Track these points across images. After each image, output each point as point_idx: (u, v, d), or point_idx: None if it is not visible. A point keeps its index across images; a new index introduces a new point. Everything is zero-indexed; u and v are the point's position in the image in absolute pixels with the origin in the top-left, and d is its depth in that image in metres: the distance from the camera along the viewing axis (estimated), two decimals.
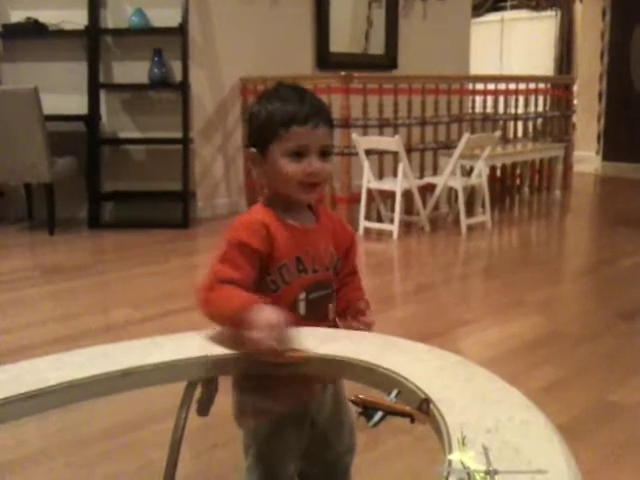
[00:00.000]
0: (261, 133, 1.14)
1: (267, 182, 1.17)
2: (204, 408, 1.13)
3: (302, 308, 1.15)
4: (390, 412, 0.84)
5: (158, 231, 4.55)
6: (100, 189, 4.85)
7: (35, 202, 4.89)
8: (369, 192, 4.52)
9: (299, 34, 5.50)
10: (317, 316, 1.16)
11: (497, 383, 0.95)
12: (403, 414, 0.84)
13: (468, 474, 0.66)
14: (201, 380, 1.12)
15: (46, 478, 1.71)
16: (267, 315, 0.99)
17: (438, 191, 4.63)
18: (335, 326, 1.21)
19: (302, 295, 1.14)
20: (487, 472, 0.64)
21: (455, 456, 0.70)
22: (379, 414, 0.83)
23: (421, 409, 0.83)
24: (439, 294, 3.37)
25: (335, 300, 1.21)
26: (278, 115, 1.12)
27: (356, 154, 4.50)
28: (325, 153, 1.13)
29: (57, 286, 3.45)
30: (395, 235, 4.33)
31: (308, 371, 1.04)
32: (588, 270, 3.84)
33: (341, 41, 5.78)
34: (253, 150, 1.16)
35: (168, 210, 4.79)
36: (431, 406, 0.85)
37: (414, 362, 1.01)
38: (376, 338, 1.12)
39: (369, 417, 0.84)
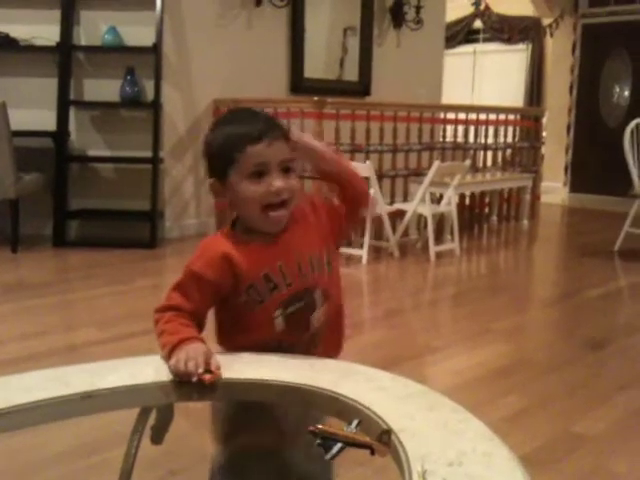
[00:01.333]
0: (217, 161, 1.11)
1: (235, 210, 1.15)
2: (158, 435, 1.09)
3: (281, 324, 1.12)
4: (349, 443, 0.81)
5: (124, 251, 4.48)
6: (66, 206, 4.77)
7: None
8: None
9: (274, 58, 5.52)
10: (298, 329, 1.13)
11: (460, 413, 0.93)
12: (363, 445, 0.81)
13: None
14: (156, 406, 1.08)
15: None
16: (187, 348, 1.03)
17: (407, 217, 4.65)
18: (323, 334, 1.17)
19: (278, 312, 1.12)
20: None
21: None
22: (338, 445, 0.81)
23: (381, 440, 0.81)
24: (408, 320, 3.36)
25: (322, 305, 1.15)
26: (231, 139, 1.08)
27: None
28: (287, 169, 1.10)
29: (19, 304, 3.36)
30: (364, 260, 4.32)
31: (263, 398, 1.01)
32: (555, 299, 3.86)
33: (316, 67, 5.81)
34: (213, 181, 1.13)
35: (135, 229, 4.73)
36: (392, 437, 0.82)
37: (376, 391, 0.98)
38: (338, 365, 1.09)
39: (327, 449, 0.81)
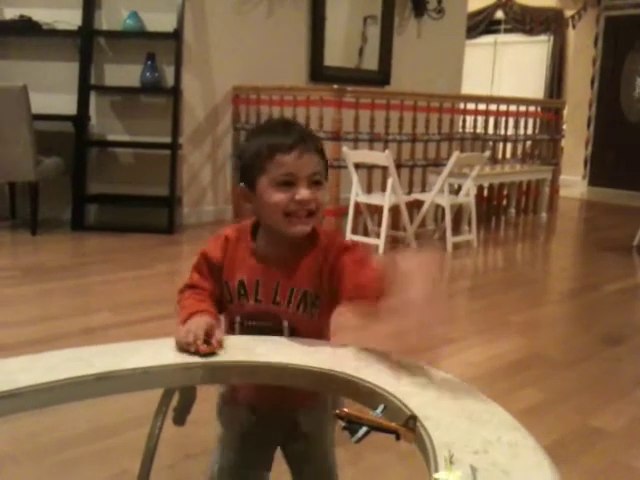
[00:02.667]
0: (249, 167, 1.12)
1: (259, 218, 1.15)
2: (181, 417, 1.10)
3: (237, 331, 1.15)
4: (375, 428, 0.81)
5: (142, 236, 4.50)
6: (85, 191, 4.80)
7: (19, 201, 4.83)
8: (357, 206, 4.51)
9: (294, 46, 5.50)
10: None
11: (484, 402, 0.93)
12: (389, 430, 0.81)
13: None
14: (178, 388, 1.08)
15: None
16: (189, 322, 1.07)
17: (425, 208, 4.62)
18: None
19: (237, 319, 1.15)
20: None
21: (442, 475, 0.68)
22: (363, 429, 0.81)
23: (407, 426, 0.81)
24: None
25: (287, 337, 1.12)
26: (264, 147, 1.09)
27: (345, 167, 4.48)
28: (316, 182, 1.09)
29: (37, 287, 3.39)
30: (381, 250, 4.31)
31: (291, 383, 1.01)
32: (572, 294, 3.84)
33: (335, 55, 5.79)
34: (242, 185, 1.14)
35: (153, 215, 4.74)
36: (417, 424, 0.82)
37: (400, 378, 0.98)
38: (361, 352, 1.09)
39: (353, 432, 0.81)
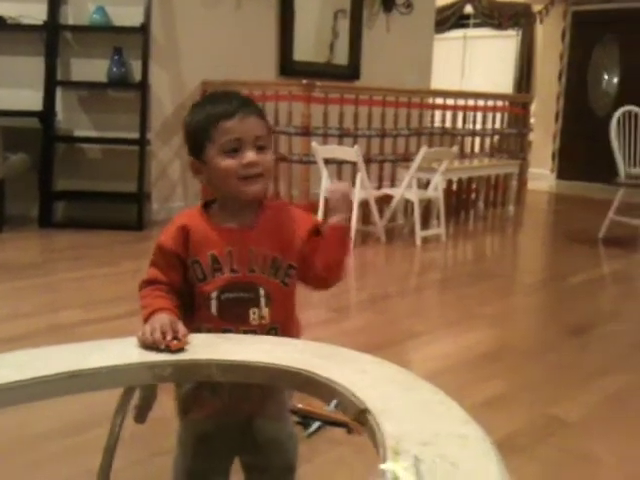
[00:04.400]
0: (195, 139, 1.15)
1: (212, 187, 1.17)
2: (142, 415, 1.10)
3: (214, 307, 1.14)
4: (327, 422, 0.83)
5: (111, 232, 4.48)
6: (53, 187, 4.75)
7: None
8: (327, 201, 4.51)
9: (263, 40, 5.49)
10: (233, 318, 1.13)
11: (438, 396, 0.95)
12: (340, 424, 0.83)
13: None
14: (139, 386, 1.09)
15: None
16: (152, 319, 1.07)
17: (394, 203, 4.66)
18: (267, 333, 1.16)
19: (214, 294, 1.14)
20: None
21: (388, 466, 0.70)
22: (316, 424, 0.83)
23: (358, 420, 0.83)
24: (393, 305, 3.38)
25: (267, 305, 1.15)
26: (206, 116, 1.12)
27: (315, 163, 4.50)
28: (261, 147, 1.13)
29: (4, 285, 3.36)
30: (351, 245, 4.34)
31: (250, 380, 1.03)
32: (539, 285, 3.90)
33: (305, 50, 5.79)
34: (191, 159, 1.16)
35: (122, 211, 4.72)
36: (369, 417, 0.84)
37: (357, 373, 1.00)
38: (321, 348, 1.11)
39: (306, 426, 0.83)
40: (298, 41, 5.71)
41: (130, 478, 1.63)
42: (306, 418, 0.84)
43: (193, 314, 1.16)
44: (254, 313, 1.14)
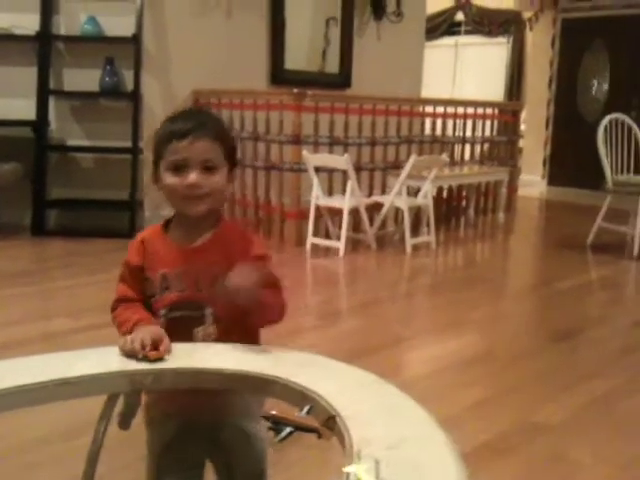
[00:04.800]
0: (154, 153, 1.19)
1: (167, 200, 1.21)
2: (126, 421, 1.14)
3: (162, 325, 1.17)
4: (298, 427, 0.87)
5: (103, 240, 4.51)
6: (45, 196, 4.78)
7: None
8: (317, 209, 4.57)
9: (254, 49, 5.53)
10: (179, 337, 1.14)
11: (407, 401, 0.99)
12: (310, 430, 0.87)
13: None
14: (123, 393, 1.13)
15: None
16: (141, 329, 1.12)
17: (384, 210, 4.71)
18: None
19: (162, 311, 1.18)
20: None
21: (351, 469, 0.74)
22: (287, 429, 0.87)
23: (327, 425, 0.87)
24: (382, 311, 3.42)
25: (211, 324, 1.17)
26: (163, 134, 1.17)
27: (306, 170, 4.54)
28: (209, 167, 1.16)
29: None
30: (341, 252, 4.39)
31: (226, 387, 1.07)
32: (527, 291, 3.96)
33: (297, 58, 5.84)
34: (153, 169, 1.20)
35: (114, 219, 4.75)
36: (338, 422, 0.88)
37: (330, 379, 1.04)
38: (295, 355, 1.15)
39: (278, 432, 0.87)
40: (289, 50, 5.76)
41: None
42: (278, 424, 0.88)
43: None
44: (197, 332, 1.17)
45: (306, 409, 0.92)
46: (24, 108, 4.66)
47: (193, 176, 1.14)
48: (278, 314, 1.18)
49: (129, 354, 1.08)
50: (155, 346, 1.08)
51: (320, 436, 0.87)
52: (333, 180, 4.85)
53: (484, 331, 3.10)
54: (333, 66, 6.16)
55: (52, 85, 4.81)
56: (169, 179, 1.16)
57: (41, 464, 1.79)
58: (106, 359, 1.12)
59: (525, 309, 3.63)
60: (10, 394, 1.02)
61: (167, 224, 1.24)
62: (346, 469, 0.74)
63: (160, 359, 1.07)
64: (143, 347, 1.08)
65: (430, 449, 0.85)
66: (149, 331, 1.11)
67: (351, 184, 4.40)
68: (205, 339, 1.17)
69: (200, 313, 1.17)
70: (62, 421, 1.95)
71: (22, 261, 4.13)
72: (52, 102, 4.82)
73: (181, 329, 1.16)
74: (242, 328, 1.19)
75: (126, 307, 1.20)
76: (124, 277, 1.23)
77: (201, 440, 1.21)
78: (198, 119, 1.19)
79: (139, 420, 1.24)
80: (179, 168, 1.15)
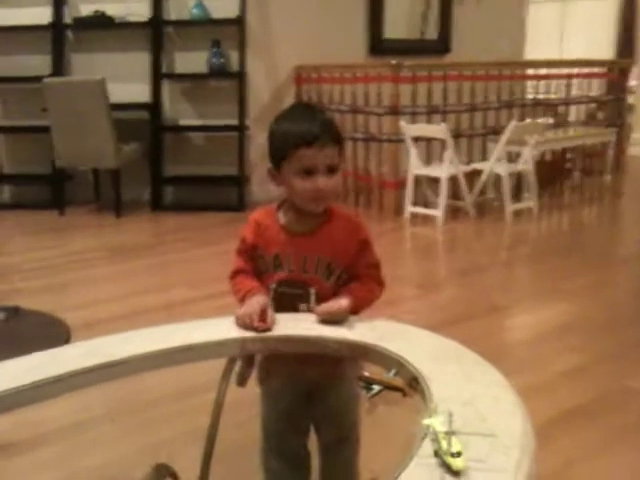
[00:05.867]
0: (276, 152, 1.31)
1: (284, 192, 1.35)
2: (242, 380, 1.34)
3: (271, 297, 1.33)
4: (386, 387, 1.03)
5: (215, 214, 4.81)
6: (162, 174, 5.15)
7: (102, 185, 5.22)
8: (416, 178, 4.66)
9: (352, 22, 5.62)
10: (285, 308, 1.33)
11: (482, 366, 1.13)
12: (396, 389, 1.03)
13: (435, 434, 0.86)
14: (240, 355, 1.33)
15: (109, 437, 1.97)
16: (248, 302, 1.29)
17: (483, 177, 4.72)
18: None
19: (273, 286, 1.35)
20: (447, 433, 0.83)
21: (428, 421, 0.89)
22: (376, 388, 1.03)
23: (411, 385, 1.02)
24: (478, 279, 3.49)
25: (314, 302, 1.33)
26: (289, 136, 1.27)
27: (404, 141, 4.63)
28: (332, 169, 1.29)
29: (123, 265, 3.74)
30: (440, 220, 4.47)
31: (326, 352, 1.24)
32: (629, 258, 3.88)
33: (396, 27, 5.85)
34: (270, 167, 1.34)
35: (224, 194, 5.05)
36: (420, 382, 1.03)
37: (415, 346, 1.19)
38: (391, 325, 1.30)
39: (369, 390, 1.04)
40: (388, 18, 5.78)
41: (235, 435, 1.88)
42: (369, 383, 1.04)
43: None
44: (302, 307, 1.34)
45: (393, 372, 1.08)
46: (140, 92, 5.01)
47: (322, 181, 1.27)
48: (377, 297, 1.36)
49: (242, 326, 1.27)
50: (262, 318, 1.26)
51: (405, 394, 1.02)
52: (432, 148, 4.90)
53: (584, 299, 3.10)
54: (432, 32, 6.14)
55: (164, 69, 5.13)
56: (298, 183, 1.28)
57: (167, 418, 2.05)
58: (224, 327, 1.32)
59: (625, 277, 3.58)
60: (146, 358, 1.24)
61: (278, 207, 1.39)
62: (425, 421, 0.89)
63: (267, 330, 1.25)
64: (252, 321, 1.25)
65: (500, 405, 0.99)
66: (256, 304, 1.28)
67: (449, 153, 4.45)
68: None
69: (305, 291, 1.33)
70: (181, 382, 2.18)
71: (143, 235, 4.50)
72: (165, 85, 5.14)
73: (287, 303, 1.34)
74: None
75: (242, 276, 1.38)
76: (240, 250, 1.39)
77: (309, 405, 1.39)
78: (320, 121, 1.29)
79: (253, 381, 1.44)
80: (307, 172, 1.27)
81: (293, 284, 1.34)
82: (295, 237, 1.34)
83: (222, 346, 1.30)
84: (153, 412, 2.09)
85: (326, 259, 1.32)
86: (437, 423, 0.88)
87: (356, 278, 1.35)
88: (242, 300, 1.33)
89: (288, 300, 1.34)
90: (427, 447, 0.86)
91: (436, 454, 0.83)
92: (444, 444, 0.82)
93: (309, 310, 1.32)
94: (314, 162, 1.26)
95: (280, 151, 1.29)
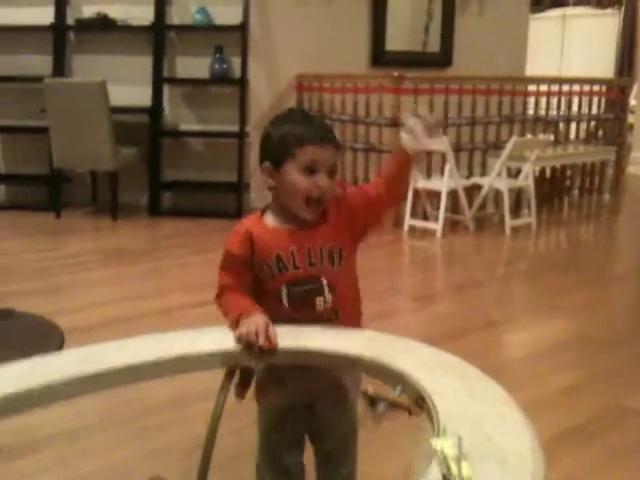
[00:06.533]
0: (276, 151, 1.28)
1: (276, 193, 1.32)
2: (241, 392, 1.32)
3: (285, 300, 1.31)
4: (391, 404, 1.01)
5: (213, 220, 4.79)
6: (161, 178, 5.12)
7: (99, 188, 5.20)
8: (416, 190, 4.65)
9: (355, 32, 5.62)
10: (302, 307, 1.30)
11: (486, 382, 1.11)
12: (402, 407, 1.01)
13: (444, 457, 0.83)
14: (239, 367, 1.31)
15: (101, 446, 1.94)
16: (248, 321, 1.24)
17: (483, 192, 4.72)
18: (329, 315, 1.32)
19: (283, 289, 1.31)
20: (457, 456, 0.81)
21: (436, 442, 0.87)
22: (382, 405, 1.01)
23: (417, 404, 1.00)
24: (476, 294, 3.48)
25: (329, 291, 1.30)
26: (292, 135, 1.26)
27: None
28: (332, 172, 1.28)
29: (119, 270, 3.72)
30: (439, 234, 4.46)
31: (323, 364, 1.22)
32: (626, 276, 3.88)
33: (398, 38, 5.86)
34: (268, 165, 1.30)
35: (223, 200, 5.03)
36: (427, 401, 1.01)
37: (419, 362, 1.17)
38: (389, 339, 1.28)
39: (374, 407, 1.01)
40: (390, 30, 5.79)
41: (232, 443, 1.86)
42: (374, 400, 1.02)
43: (261, 303, 1.33)
44: (320, 301, 1.31)
45: (398, 389, 1.06)
46: (141, 95, 4.99)
47: (325, 180, 1.26)
48: (405, 194, 1.35)
49: (245, 343, 1.23)
50: (267, 337, 1.22)
51: (411, 413, 1.00)
52: (432, 161, 4.90)
53: (580, 316, 3.10)
54: (434, 45, 6.15)
55: (166, 73, 5.12)
56: (299, 179, 1.26)
57: (163, 427, 2.02)
58: (219, 338, 1.29)
59: (621, 294, 3.57)
60: (143, 366, 1.21)
61: (262, 213, 1.36)
62: (433, 443, 0.86)
63: (273, 350, 1.21)
64: (257, 339, 1.21)
65: (506, 425, 0.96)
66: (260, 320, 1.24)
67: (449, 166, 4.45)
68: (325, 306, 1.30)
69: (317, 285, 1.30)
70: (175, 391, 2.16)
71: (140, 240, 4.47)
72: (166, 89, 5.13)
73: (303, 301, 1.31)
74: (351, 297, 1.36)
75: (231, 295, 1.33)
76: (225, 265, 1.34)
77: (304, 418, 1.37)
78: (321, 124, 1.30)
79: (252, 392, 1.41)
80: (310, 170, 1.26)
81: (303, 281, 1.30)
82: (292, 233, 1.31)
83: (219, 357, 1.27)
84: (147, 421, 2.06)
85: (329, 245, 1.30)
86: (447, 446, 0.85)
87: (375, 187, 1.35)
88: (236, 321, 1.28)
89: (303, 298, 1.31)
90: (435, 470, 0.83)
91: (445, 478, 0.81)
92: (454, 468, 0.79)
93: (325, 302, 1.30)
94: (320, 159, 1.26)
95: (283, 149, 1.27)
